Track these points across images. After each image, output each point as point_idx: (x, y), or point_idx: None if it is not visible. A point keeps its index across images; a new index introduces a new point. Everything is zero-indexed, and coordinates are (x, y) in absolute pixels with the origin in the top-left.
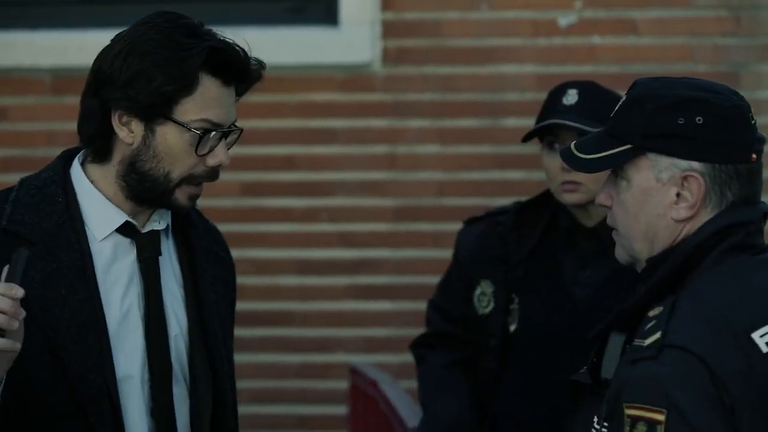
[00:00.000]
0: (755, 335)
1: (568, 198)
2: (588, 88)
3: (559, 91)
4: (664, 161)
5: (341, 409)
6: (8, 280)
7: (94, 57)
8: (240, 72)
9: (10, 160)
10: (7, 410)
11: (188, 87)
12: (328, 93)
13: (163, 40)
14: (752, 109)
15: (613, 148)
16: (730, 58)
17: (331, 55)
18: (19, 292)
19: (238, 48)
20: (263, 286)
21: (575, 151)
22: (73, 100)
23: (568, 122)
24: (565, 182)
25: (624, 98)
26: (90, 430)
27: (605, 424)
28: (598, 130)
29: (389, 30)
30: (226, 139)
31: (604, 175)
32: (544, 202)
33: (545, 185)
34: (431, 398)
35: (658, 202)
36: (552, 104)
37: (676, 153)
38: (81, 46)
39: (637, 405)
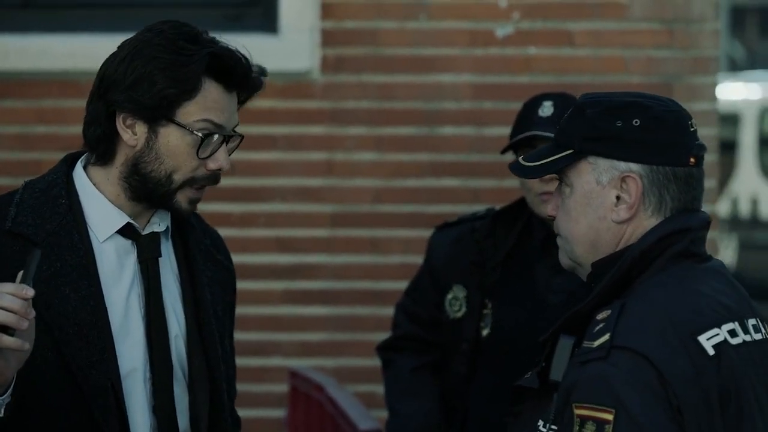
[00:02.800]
0: (702, 338)
1: (545, 209)
2: (563, 100)
3: (535, 103)
4: (604, 164)
5: (278, 413)
6: (22, 280)
7: (34, 61)
8: (241, 78)
9: None
10: (14, 407)
11: (190, 91)
12: (267, 100)
13: (166, 45)
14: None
15: (556, 155)
16: (663, 70)
17: (270, 62)
18: (30, 292)
19: (239, 55)
20: None
21: (522, 162)
22: (12, 104)
23: (546, 134)
24: (543, 193)
25: (570, 110)
26: (95, 426)
27: (553, 427)
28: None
29: (328, 38)
30: (227, 144)
31: None
32: (519, 209)
33: (480, 193)
34: (399, 401)
35: (599, 204)
36: (528, 116)
37: (614, 155)
38: (21, 51)
39: (586, 405)
